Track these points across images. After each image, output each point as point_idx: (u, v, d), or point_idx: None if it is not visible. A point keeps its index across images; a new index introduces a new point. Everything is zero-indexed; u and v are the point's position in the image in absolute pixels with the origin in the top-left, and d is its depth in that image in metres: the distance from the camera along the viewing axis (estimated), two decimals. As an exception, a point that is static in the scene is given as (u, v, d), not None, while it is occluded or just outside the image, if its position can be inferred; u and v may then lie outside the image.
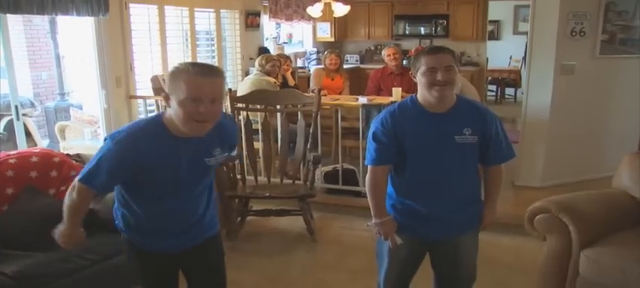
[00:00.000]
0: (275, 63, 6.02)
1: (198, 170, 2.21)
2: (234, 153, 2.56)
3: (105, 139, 2.15)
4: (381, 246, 2.63)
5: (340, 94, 6.63)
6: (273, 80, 5.88)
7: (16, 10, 4.15)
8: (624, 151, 3.68)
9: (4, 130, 6.51)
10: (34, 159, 3.57)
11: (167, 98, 2.05)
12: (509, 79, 11.91)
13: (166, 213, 2.25)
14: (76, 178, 2.16)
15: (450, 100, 2.38)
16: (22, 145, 4.74)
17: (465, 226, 2.53)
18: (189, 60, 6.79)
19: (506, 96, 12.08)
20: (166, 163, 2.11)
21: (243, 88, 5.71)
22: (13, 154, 3.58)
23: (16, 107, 4.59)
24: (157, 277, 2.43)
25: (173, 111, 2.03)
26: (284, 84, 6.61)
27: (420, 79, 2.34)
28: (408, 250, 2.54)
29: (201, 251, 2.40)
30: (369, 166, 2.50)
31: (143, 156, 2.06)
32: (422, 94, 2.38)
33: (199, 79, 1.98)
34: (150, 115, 2.38)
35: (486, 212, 2.55)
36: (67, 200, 2.19)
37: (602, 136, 5.60)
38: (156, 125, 2.12)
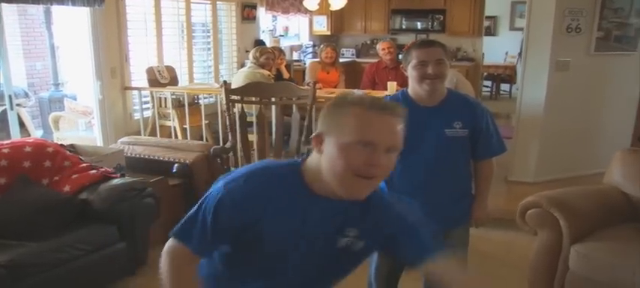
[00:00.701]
0: (269, 56, 6.01)
1: (322, 249, 1.58)
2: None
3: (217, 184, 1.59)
4: None
5: (335, 87, 6.63)
6: (268, 73, 5.88)
7: (11, -1, 4.15)
8: (617, 147, 3.71)
9: (-3, 120, 6.49)
10: (28, 149, 3.57)
11: (320, 140, 1.48)
12: (505, 75, 11.93)
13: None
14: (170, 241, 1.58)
15: (441, 94, 2.39)
16: (16, 136, 4.73)
17: (456, 221, 2.55)
18: (185, 52, 6.79)
19: (502, 92, 12.12)
20: (289, 222, 1.52)
21: (237, 80, 5.70)
22: (7, 144, 3.59)
23: (10, 97, 4.58)
24: None
25: (326, 159, 1.45)
26: (278, 77, 6.62)
27: (410, 72, 2.36)
28: None
29: None
30: None
31: (267, 202, 1.50)
32: (413, 87, 2.40)
33: (377, 116, 1.42)
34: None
35: (476, 207, 2.56)
36: (163, 276, 1.56)
37: (596, 132, 5.62)
38: (292, 172, 1.56)
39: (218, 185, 1.54)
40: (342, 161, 1.40)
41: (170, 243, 1.56)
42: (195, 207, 1.56)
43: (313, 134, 1.51)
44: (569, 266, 3.07)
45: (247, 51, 7.16)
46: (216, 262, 1.64)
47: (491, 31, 12.53)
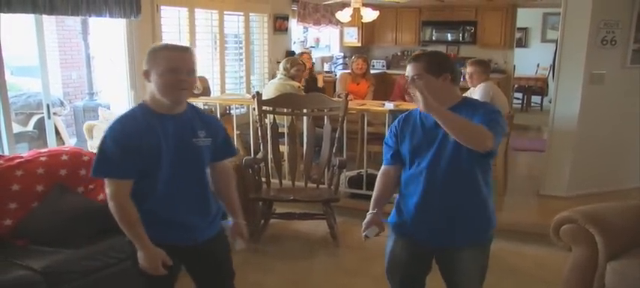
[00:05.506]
0: (300, 67, 6.05)
1: (186, 151, 2.32)
2: (234, 149, 2.68)
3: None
4: (386, 246, 2.68)
5: (364, 98, 6.64)
6: (298, 84, 5.91)
7: (51, 11, 4.23)
8: (654, 162, 3.64)
9: (34, 128, 6.63)
10: (65, 157, 3.63)
11: (147, 74, 2.24)
12: (536, 87, 11.80)
13: (162, 198, 2.29)
14: (107, 191, 2.22)
15: (450, 102, 2.36)
16: (52, 144, 4.82)
17: (465, 236, 2.45)
18: (218, 62, 6.87)
19: (533, 104, 11.98)
20: (155, 136, 2.23)
21: (267, 91, 5.75)
22: (44, 152, 3.65)
23: (48, 106, 4.67)
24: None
25: (154, 85, 2.23)
26: (313, 82, 6.71)
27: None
28: (408, 253, 2.57)
29: (206, 250, 2.46)
30: None
31: (137, 132, 2.21)
32: None
33: (177, 53, 2.24)
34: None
35: None
36: (120, 221, 2.23)
37: (632, 146, 5.52)
38: (140, 108, 2.31)
39: (102, 137, 2.23)
40: (163, 82, 2.19)
41: (107, 188, 2.21)
42: (97, 154, 2.22)
43: (144, 72, 2.23)
44: (604, 284, 3.01)
45: (278, 62, 7.23)
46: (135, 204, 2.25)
47: (522, 43, 12.43)
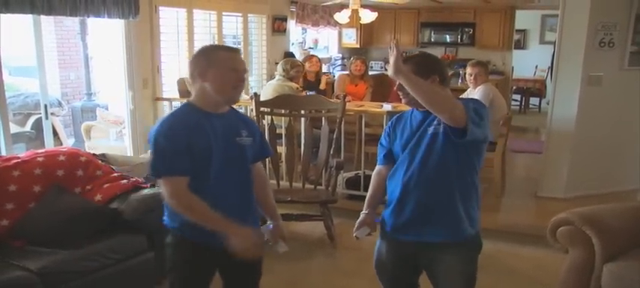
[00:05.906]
0: (299, 69, 6.06)
1: (232, 150, 2.36)
2: (270, 149, 2.78)
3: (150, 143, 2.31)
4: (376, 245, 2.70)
5: (362, 100, 6.64)
6: (296, 86, 5.92)
7: (50, 11, 4.22)
8: (651, 164, 3.64)
9: (32, 129, 6.62)
10: (62, 158, 3.63)
11: (203, 74, 2.29)
12: (534, 89, 11.81)
13: (212, 198, 2.26)
14: (165, 190, 2.25)
15: None
16: (50, 144, 4.81)
17: (434, 234, 2.42)
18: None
19: (531, 106, 11.99)
20: (205, 136, 2.28)
21: (265, 93, 5.74)
22: (41, 153, 3.65)
23: (46, 106, 4.66)
24: (199, 275, 2.42)
25: (211, 84, 2.28)
26: (318, 84, 6.77)
27: None
28: (393, 253, 2.58)
29: None
30: None
31: (187, 129, 2.26)
32: None
33: (234, 54, 2.36)
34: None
35: None
36: (191, 215, 2.25)
37: (629, 148, 5.53)
38: (187, 106, 2.37)
39: (152, 139, 2.26)
40: (223, 80, 2.28)
41: (164, 188, 2.24)
42: (153, 156, 2.26)
43: (197, 72, 2.29)
44: (601, 286, 3.01)
45: (277, 63, 7.22)
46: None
47: (520, 45, 12.43)
